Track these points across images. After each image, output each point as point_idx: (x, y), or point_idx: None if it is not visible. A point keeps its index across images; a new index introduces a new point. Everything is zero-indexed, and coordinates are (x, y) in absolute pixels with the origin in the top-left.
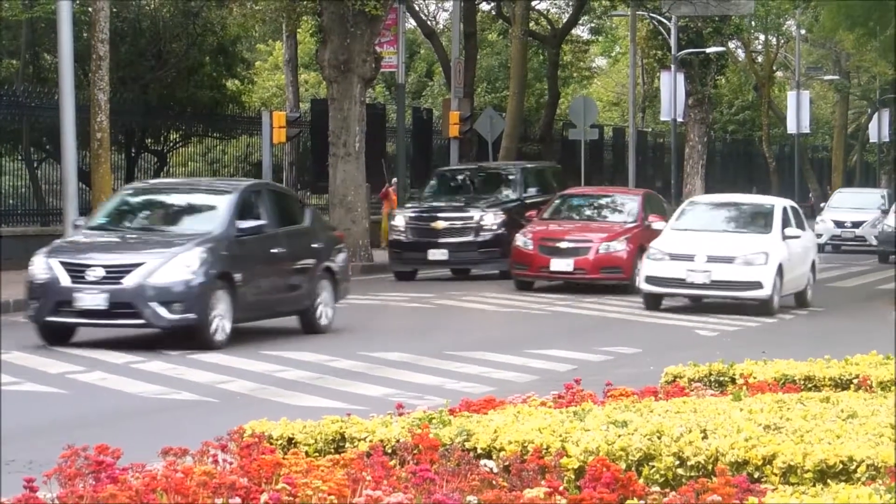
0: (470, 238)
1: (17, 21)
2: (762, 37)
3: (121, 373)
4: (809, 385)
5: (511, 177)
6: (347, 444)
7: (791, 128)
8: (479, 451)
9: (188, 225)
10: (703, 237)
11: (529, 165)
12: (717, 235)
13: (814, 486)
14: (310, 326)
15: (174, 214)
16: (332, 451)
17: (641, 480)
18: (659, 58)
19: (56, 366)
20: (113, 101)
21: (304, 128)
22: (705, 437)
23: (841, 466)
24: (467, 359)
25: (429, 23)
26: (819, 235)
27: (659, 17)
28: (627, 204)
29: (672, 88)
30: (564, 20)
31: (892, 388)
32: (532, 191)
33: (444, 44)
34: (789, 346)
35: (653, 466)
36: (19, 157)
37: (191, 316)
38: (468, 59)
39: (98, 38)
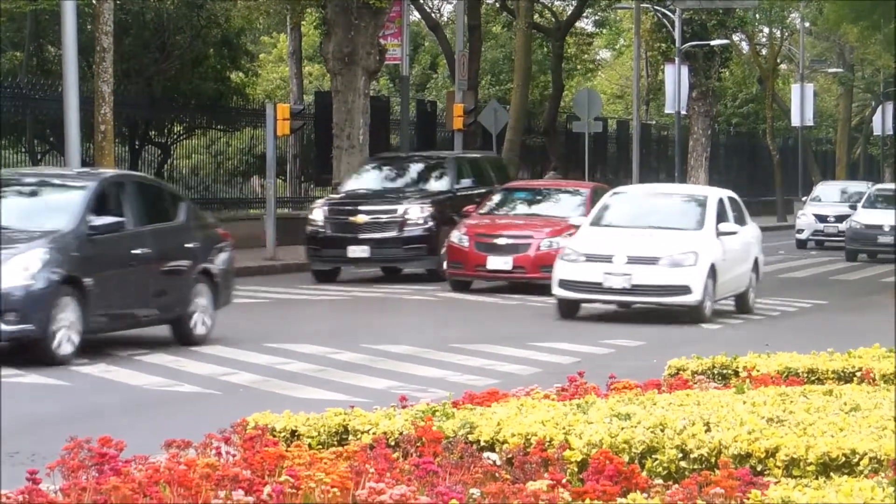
0: (394, 234)
1: (21, 13)
2: (766, 29)
3: (124, 365)
4: (812, 378)
5: (443, 167)
6: (351, 437)
7: (795, 121)
8: (482, 443)
9: (32, 222)
10: (624, 235)
11: (465, 155)
12: (640, 233)
13: (816, 479)
14: (184, 337)
15: (17, 209)
16: (336, 443)
17: (644, 473)
18: (663, 50)
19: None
20: (117, 93)
21: (308, 120)
22: (708, 430)
23: (844, 459)
24: (471, 351)
25: (433, 15)
26: (800, 231)
27: (663, 10)
28: (574, 198)
29: (676, 81)
30: (568, 13)
31: (895, 380)
32: (466, 182)
33: (449, 36)
34: (792, 338)
35: (656, 459)
36: (23, 150)
37: (29, 327)
38: (472, 51)
39: (102, 30)
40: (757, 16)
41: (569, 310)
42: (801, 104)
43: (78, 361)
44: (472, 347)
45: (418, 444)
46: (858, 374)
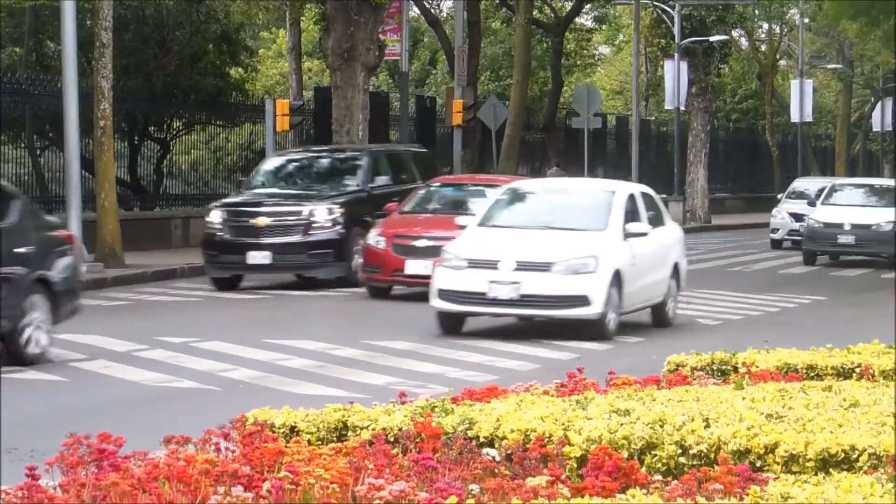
0: (297, 238)
1: (21, 8)
2: (765, 25)
3: (123, 361)
4: (812, 374)
5: (356, 163)
6: (350, 433)
7: (794, 116)
8: (481, 439)
9: None
10: (514, 237)
11: (382, 149)
12: (534, 234)
13: (816, 474)
14: (14, 355)
15: None
16: (335, 439)
17: (643, 469)
18: (662, 46)
19: (58, 354)
20: (116, 88)
21: (307, 116)
22: (707, 426)
23: (843, 455)
24: (470, 347)
25: (432, 11)
26: (774, 230)
27: (662, 6)
28: None
29: (675, 77)
30: (568, 8)
31: (895, 377)
32: (383, 179)
33: (448, 32)
34: (792, 335)
35: (655, 455)
36: (22, 145)
37: None
38: (472, 47)
39: (101, 25)
40: (756, 12)
41: (451, 324)
42: (801, 100)
43: (77, 357)
44: (471, 343)
45: (417, 440)
46: (858, 370)
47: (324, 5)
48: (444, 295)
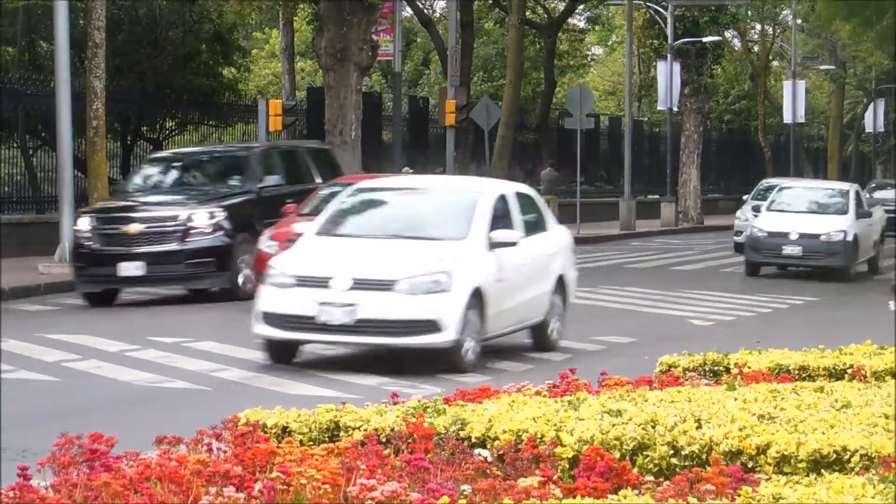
0: (174, 246)
1: (14, 8)
2: (758, 26)
3: (115, 361)
4: (804, 375)
5: (243, 162)
6: (342, 433)
7: (787, 117)
8: (473, 440)
9: None
10: (354, 248)
11: (274, 147)
12: (377, 245)
13: (807, 475)
14: None
15: None
16: (327, 439)
17: (635, 470)
18: (655, 47)
19: (51, 354)
20: (109, 88)
21: (300, 116)
22: (699, 427)
23: (835, 456)
24: None
25: (425, 11)
26: (738, 233)
27: (655, 6)
28: None
29: (668, 78)
30: (561, 9)
31: (887, 378)
32: (274, 179)
33: (441, 32)
34: (784, 335)
35: (647, 456)
36: (15, 145)
37: None
38: (465, 47)
39: (94, 25)
40: (749, 12)
41: (280, 353)
42: (793, 101)
43: (69, 358)
44: None
45: (409, 441)
46: (850, 370)
47: (317, 5)
48: (269, 319)
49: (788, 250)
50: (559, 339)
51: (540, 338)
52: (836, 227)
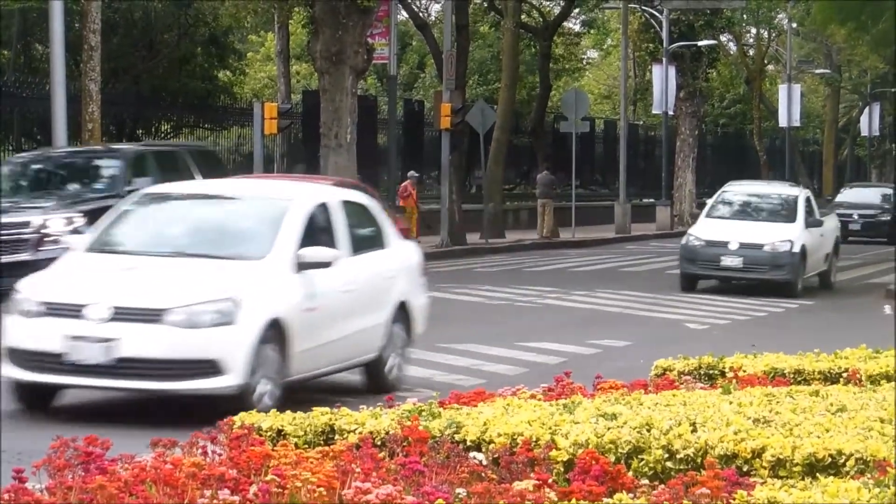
0: (26, 255)
1: (9, 11)
2: (753, 30)
3: None
4: (799, 378)
5: (110, 163)
6: (337, 436)
7: (782, 121)
8: (468, 443)
9: None
10: (119, 268)
11: (147, 148)
12: (150, 265)
13: (803, 479)
14: None
15: None
16: (322, 442)
17: (631, 473)
18: (650, 51)
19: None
20: (104, 91)
21: (295, 119)
22: (694, 431)
23: (830, 460)
24: (458, 351)
25: (421, 14)
26: None
27: (651, 10)
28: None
29: (663, 81)
30: (556, 12)
31: (882, 381)
32: (145, 182)
33: (436, 36)
34: (779, 339)
35: (642, 459)
36: (10, 148)
37: None
38: (460, 51)
39: (90, 28)
40: (744, 16)
41: (31, 398)
42: (789, 105)
43: None
44: (458, 347)
45: (405, 444)
46: (845, 374)
47: (312, 9)
48: (14, 356)
49: (728, 262)
50: (400, 378)
51: (374, 378)
52: (781, 236)
